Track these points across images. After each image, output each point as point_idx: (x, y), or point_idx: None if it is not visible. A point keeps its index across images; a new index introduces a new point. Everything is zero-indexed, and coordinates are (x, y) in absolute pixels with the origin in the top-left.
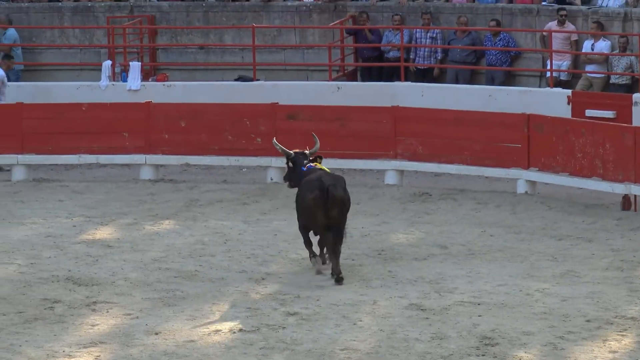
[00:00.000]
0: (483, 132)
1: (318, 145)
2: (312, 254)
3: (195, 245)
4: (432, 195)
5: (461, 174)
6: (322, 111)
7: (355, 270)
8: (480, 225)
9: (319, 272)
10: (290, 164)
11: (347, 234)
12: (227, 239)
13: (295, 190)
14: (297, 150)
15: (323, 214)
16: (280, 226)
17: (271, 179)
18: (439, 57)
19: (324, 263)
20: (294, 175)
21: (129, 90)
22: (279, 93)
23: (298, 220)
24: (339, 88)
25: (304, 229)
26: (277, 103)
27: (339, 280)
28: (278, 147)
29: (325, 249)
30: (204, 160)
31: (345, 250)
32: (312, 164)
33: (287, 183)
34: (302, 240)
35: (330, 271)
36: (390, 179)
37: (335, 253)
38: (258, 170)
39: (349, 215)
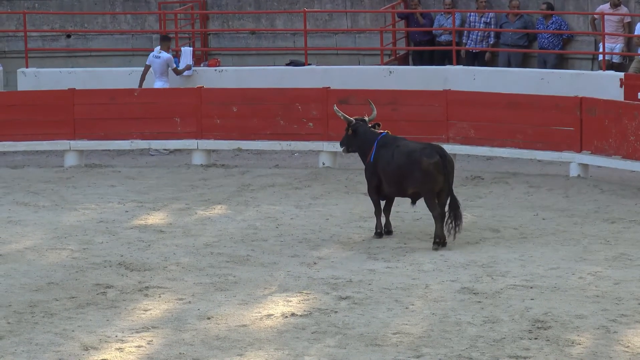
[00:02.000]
0: (535, 115)
1: (375, 112)
2: (380, 224)
3: (247, 230)
4: (484, 178)
5: (513, 158)
6: (374, 95)
7: (407, 254)
8: (532, 208)
9: (379, 236)
10: (351, 131)
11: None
12: (279, 223)
13: (353, 155)
14: (357, 117)
15: (443, 178)
16: (332, 211)
17: (323, 164)
18: (491, 42)
19: (387, 234)
20: (355, 140)
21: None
22: (331, 77)
23: (370, 187)
24: (390, 72)
25: (376, 195)
26: (329, 88)
27: (439, 244)
28: (340, 114)
29: (388, 217)
30: (255, 145)
31: (397, 234)
32: (382, 131)
33: (344, 148)
34: (374, 210)
35: (380, 254)
36: None
37: (459, 217)
38: (310, 154)
39: (398, 199)
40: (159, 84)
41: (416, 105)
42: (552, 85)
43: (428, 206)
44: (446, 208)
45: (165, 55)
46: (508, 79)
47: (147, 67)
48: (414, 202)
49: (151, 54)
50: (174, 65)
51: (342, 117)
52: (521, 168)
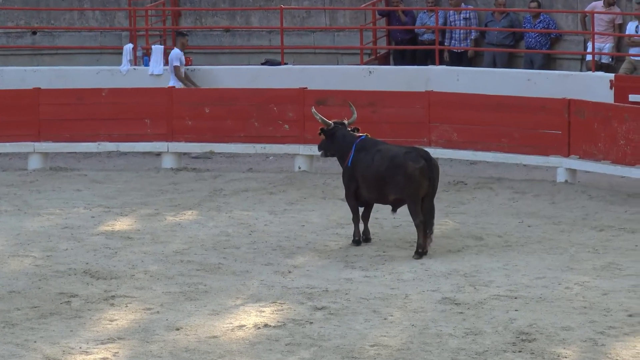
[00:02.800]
0: (521, 118)
1: (355, 115)
2: (358, 232)
3: (219, 237)
4: (467, 184)
5: (498, 162)
6: (353, 96)
7: (386, 262)
8: (517, 215)
9: (357, 244)
10: (326, 135)
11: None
12: (252, 230)
13: (331, 159)
14: (336, 120)
15: (428, 184)
16: (308, 217)
17: (299, 168)
18: (472, 37)
19: (365, 241)
20: (333, 144)
21: (151, 75)
22: (308, 77)
23: (348, 193)
24: (370, 72)
25: (354, 201)
26: (306, 88)
27: (422, 254)
28: (318, 117)
29: (367, 224)
30: (228, 148)
31: (376, 242)
32: (362, 134)
33: (322, 152)
34: (351, 217)
35: (358, 263)
36: None
37: (430, 225)
38: (285, 158)
39: (377, 205)
40: (171, 83)
41: (397, 107)
42: (539, 87)
43: (411, 213)
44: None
45: (173, 52)
46: (493, 80)
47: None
48: (394, 210)
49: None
50: (175, 63)
51: (320, 120)
52: (506, 173)
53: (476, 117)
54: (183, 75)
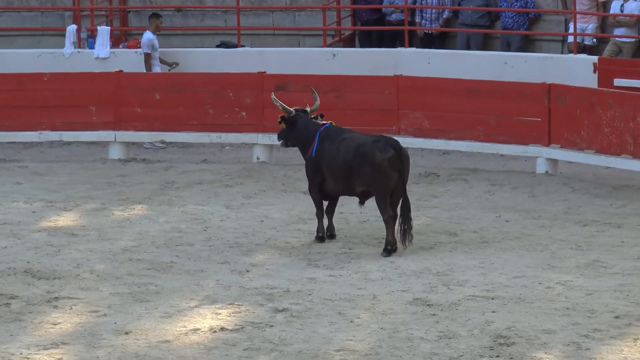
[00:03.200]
0: (497, 104)
1: (318, 102)
2: (322, 227)
3: (171, 233)
4: (439, 175)
5: (473, 152)
6: (316, 81)
7: (353, 260)
8: (494, 209)
9: (321, 240)
10: (287, 123)
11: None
12: (207, 225)
13: (293, 149)
14: (297, 107)
15: (398, 175)
16: (268, 211)
17: (257, 158)
18: (445, 16)
19: (330, 237)
20: (295, 133)
21: (97, 58)
22: (267, 61)
23: (312, 185)
24: (334, 55)
25: (319, 194)
26: (265, 72)
27: (391, 251)
28: (278, 104)
29: (331, 219)
30: (181, 137)
31: (341, 238)
32: (326, 122)
33: (282, 142)
34: (315, 211)
35: (322, 261)
36: None
37: (407, 220)
38: (243, 148)
39: (342, 198)
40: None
41: (363, 93)
42: (517, 70)
43: (379, 207)
44: (397, 210)
45: (145, 36)
46: (467, 63)
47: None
48: (362, 202)
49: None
50: (145, 50)
51: (280, 107)
52: (482, 164)
53: (449, 104)
54: (157, 62)
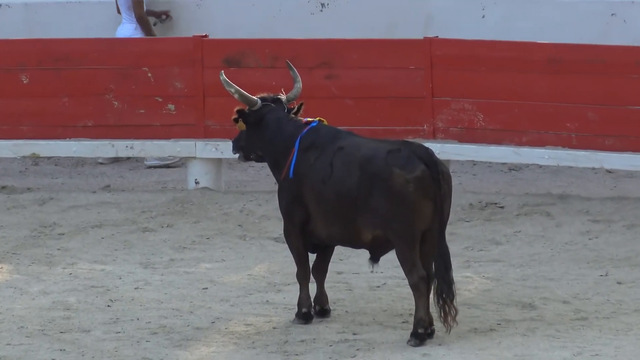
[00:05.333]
0: (601, 85)
1: (300, 85)
2: (306, 297)
3: (53, 312)
4: (504, 207)
5: (560, 167)
6: (294, 50)
7: (360, 354)
8: (597, 263)
9: (306, 320)
10: (251, 120)
11: None
12: (112, 298)
13: (256, 164)
14: (264, 95)
15: (432, 208)
16: (215, 273)
17: (196, 183)
18: None
19: (320, 314)
20: (260, 138)
21: None
22: (210, 17)
23: (289, 226)
24: (324, 5)
25: (302, 242)
26: (206, 36)
27: (424, 337)
28: (232, 90)
29: (323, 283)
30: (65, 149)
31: (340, 315)
32: (312, 120)
33: (240, 153)
34: (296, 271)
35: (307, 356)
36: None
37: (448, 284)
38: (172, 166)
39: (340, 249)
40: (126, 29)
41: (372, 68)
42: (633, 27)
43: (402, 263)
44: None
45: None
46: (547, 16)
47: None
48: (374, 257)
49: None
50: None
51: (236, 96)
52: (575, 186)
53: (518, 85)
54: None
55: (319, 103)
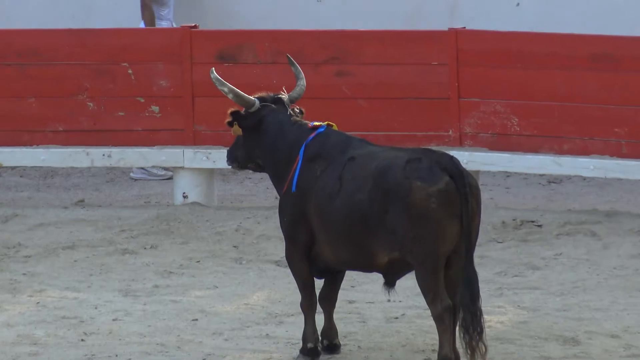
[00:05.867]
0: None
1: (303, 83)
2: (312, 331)
3: (18, 347)
4: (542, 226)
5: (608, 179)
6: (298, 41)
7: None
8: None
9: (313, 356)
10: (248, 124)
11: None
12: (86, 331)
13: (253, 175)
14: (263, 95)
15: (458, 227)
16: (205, 301)
17: (184, 197)
18: None
19: (328, 350)
20: (258, 145)
21: None
22: (202, 4)
23: (292, 248)
24: None
25: (307, 266)
26: (196, 26)
27: None
28: (224, 88)
29: (331, 314)
30: (32, 157)
31: (351, 351)
32: (319, 124)
33: (235, 162)
34: (300, 299)
35: None
36: None
37: (475, 316)
38: (156, 177)
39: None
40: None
41: (388, 65)
42: None
43: (423, 291)
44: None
45: None
46: (594, 3)
47: None
48: (390, 282)
49: None
50: None
51: (230, 96)
52: (625, 201)
53: (558, 84)
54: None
55: (327, 104)
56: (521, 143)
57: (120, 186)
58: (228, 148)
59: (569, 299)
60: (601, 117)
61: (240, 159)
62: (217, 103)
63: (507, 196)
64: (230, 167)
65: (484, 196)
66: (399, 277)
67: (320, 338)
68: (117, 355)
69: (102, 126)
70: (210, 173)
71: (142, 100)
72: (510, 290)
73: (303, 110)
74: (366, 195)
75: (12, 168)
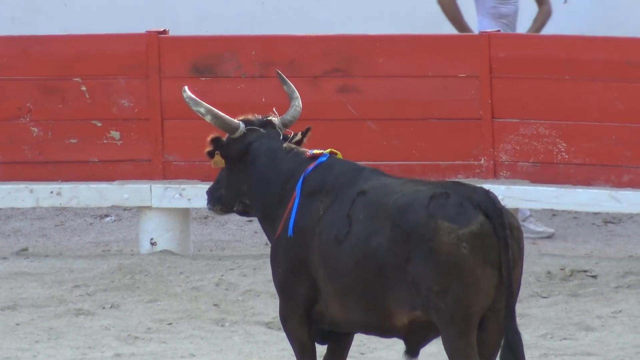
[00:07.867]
0: None
1: (298, 104)
2: None
3: None
4: (597, 277)
5: None
6: (291, 50)
7: None
8: None
9: None
10: (230, 153)
11: None
12: None
13: (238, 220)
14: (249, 117)
15: (496, 278)
16: None
17: (152, 244)
18: None
19: None
20: (244, 180)
21: None
22: (169, 8)
23: (289, 307)
24: None
25: (306, 329)
26: (166, 31)
27: None
28: (200, 109)
29: None
30: None
31: None
32: (321, 152)
33: (217, 205)
34: (297, 358)
35: None
36: None
37: None
38: (121, 220)
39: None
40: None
41: (403, 77)
42: None
43: (451, 357)
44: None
45: None
46: None
47: None
48: (412, 350)
49: None
50: None
51: (207, 118)
52: None
53: (621, 101)
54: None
55: (329, 127)
56: (570, 174)
57: (72, 231)
58: (208, 187)
59: None
60: None
61: (225, 200)
62: (192, 127)
63: (554, 240)
64: (211, 210)
65: (526, 240)
66: (423, 344)
67: None
68: None
69: (49, 157)
70: (184, 214)
71: (99, 125)
72: (558, 357)
73: (306, 131)
74: (381, 239)
75: None
